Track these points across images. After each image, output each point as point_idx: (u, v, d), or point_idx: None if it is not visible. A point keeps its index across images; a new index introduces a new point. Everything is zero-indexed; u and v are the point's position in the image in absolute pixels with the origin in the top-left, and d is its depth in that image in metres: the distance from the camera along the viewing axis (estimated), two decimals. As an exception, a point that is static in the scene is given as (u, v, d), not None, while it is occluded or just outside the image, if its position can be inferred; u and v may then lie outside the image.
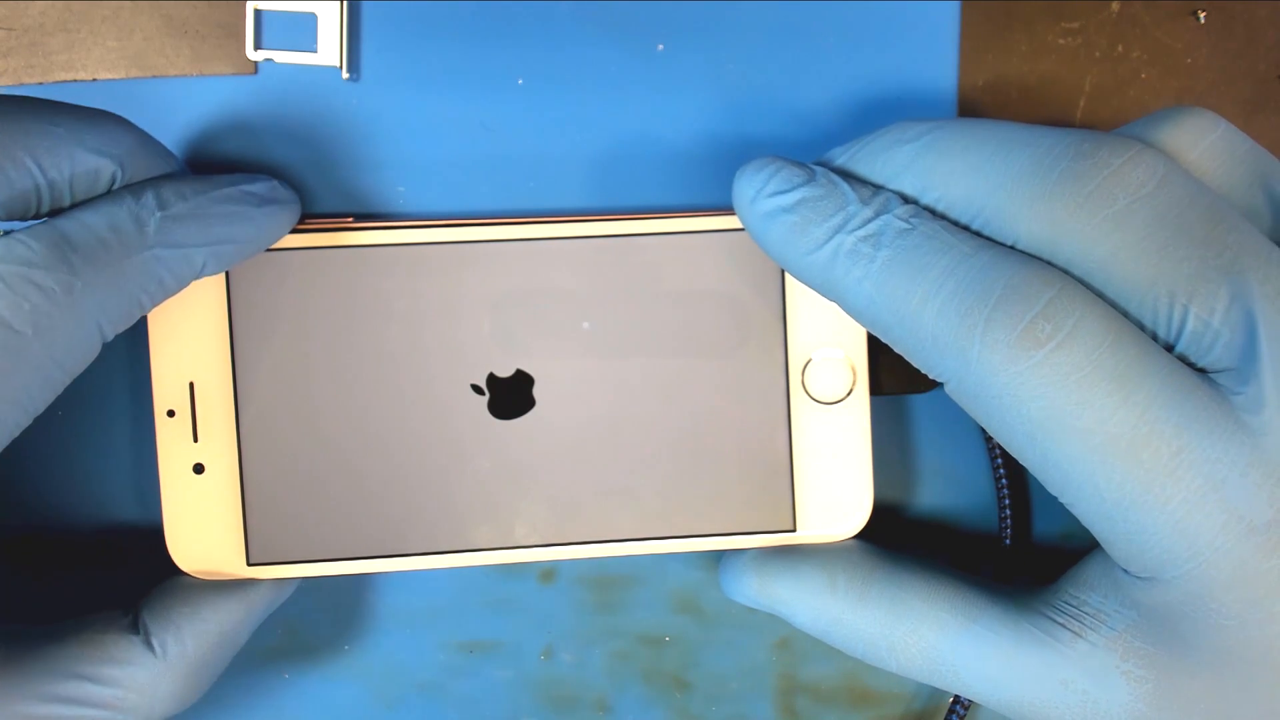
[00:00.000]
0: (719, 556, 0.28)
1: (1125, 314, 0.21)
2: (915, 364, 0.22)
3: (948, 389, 0.22)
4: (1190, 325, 0.20)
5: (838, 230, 0.22)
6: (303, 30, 0.27)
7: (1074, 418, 0.20)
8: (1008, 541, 0.28)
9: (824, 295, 0.23)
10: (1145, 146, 0.21)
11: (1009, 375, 0.20)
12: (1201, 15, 0.28)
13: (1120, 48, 0.28)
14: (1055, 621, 0.23)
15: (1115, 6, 0.28)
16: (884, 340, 0.23)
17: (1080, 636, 0.22)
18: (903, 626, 0.24)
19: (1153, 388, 0.20)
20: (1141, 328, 0.21)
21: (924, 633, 0.24)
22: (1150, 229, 0.21)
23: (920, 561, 0.25)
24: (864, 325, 0.23)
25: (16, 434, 0.21)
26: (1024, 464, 0.22)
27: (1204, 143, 0.22)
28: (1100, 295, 0.21)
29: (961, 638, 0.23)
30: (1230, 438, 0.20)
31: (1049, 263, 0.21)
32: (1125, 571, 0.22)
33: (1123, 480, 0.20)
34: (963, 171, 0.22)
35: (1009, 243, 0.22)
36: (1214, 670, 0.21)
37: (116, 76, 0.27)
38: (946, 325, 0.21)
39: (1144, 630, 0.22)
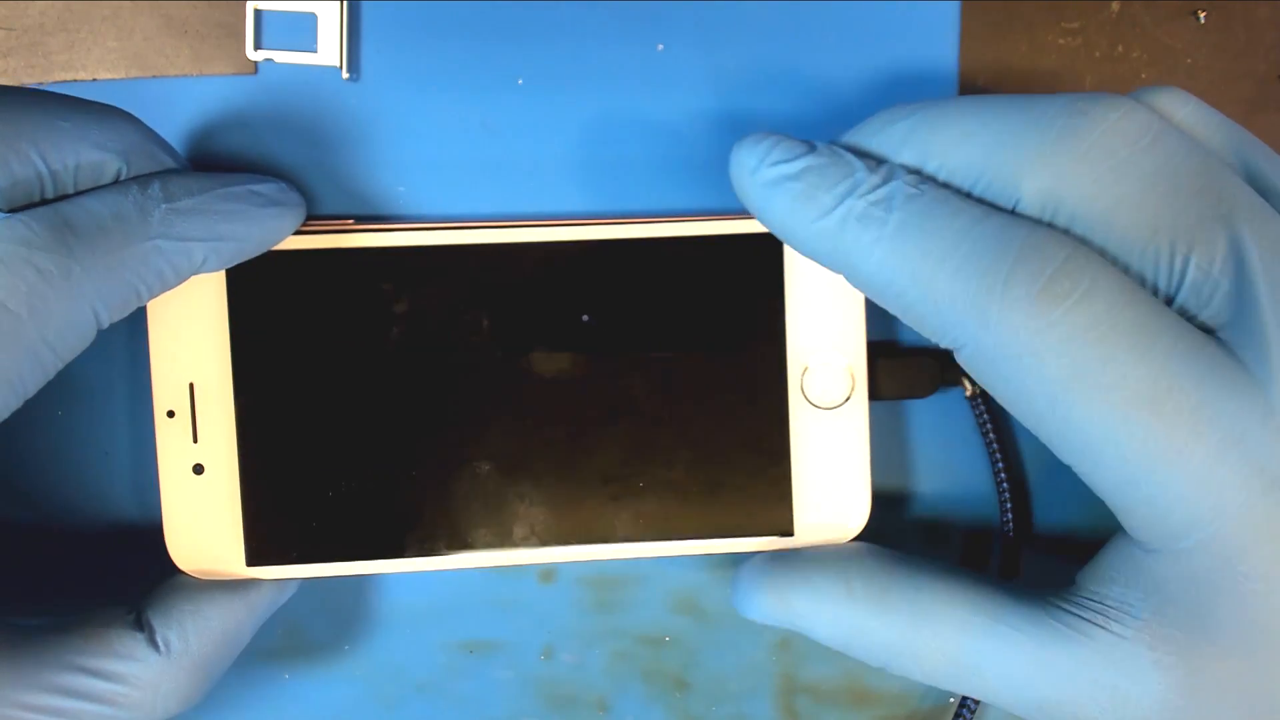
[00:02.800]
0: (720, 557, 0.28)
1: (1126, 270, 0.21)
2: (927, 332, 0.22)
3: (962, 355, 0.22)
4: (1191, 275, 0.21)
5: (847, 195, 0.22)
6: (303, 30, 0.27)
7: (1096, 373, 0.20)
8: (1009, 533, 0.28)
9: (830, 265, 0.23)
10: (1136, 103, 0.22)
11: (1030, 332, 0.20)
12: (1201, 15, 0.28)
13: (1120, 48, 0.28)
14: (1080, 617, 0.22)
15: (1115, 6, 0.28)
16: (894, 308, 0.22)
17: (1106, 630, 0.22)
18: (926, 630, 0.23)
19: (1169, 342, 0.20)
20: (1143, 283, 0.21)
21: (948, 635, 0.23)
22: (1150, 180, 0.21)
23: (935, 564, 0.25)
24: (873, 293, 0.22)
25: (6, 415, 0.21)
26: (1039, 432, 0.22)
27: (1176, 118, 0.22)
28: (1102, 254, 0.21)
29: (986, 638, 0.23)
30: (1245, 391, 0.20)
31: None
32: (1145, 551, 0.22)
33: (1145, 437, 0.20)
34: (959, 139, 0.22)
35: (1010, 205, 0.22)
36: (1245, 644, 0.21)
37: (116, 76, 0.27)
38: (965, 285, 0.21)
39: (1170, 614, 0.21)
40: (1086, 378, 0.20)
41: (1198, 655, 0.21)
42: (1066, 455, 0.22)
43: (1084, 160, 0.21)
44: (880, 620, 0.24)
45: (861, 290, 0.23)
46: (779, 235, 0.23)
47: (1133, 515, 0.21)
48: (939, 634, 0.23)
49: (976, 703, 0.28)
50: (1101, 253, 0.21)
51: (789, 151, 0.23)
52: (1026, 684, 0.23)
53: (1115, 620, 0.22)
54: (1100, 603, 0.23)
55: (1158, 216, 0.21)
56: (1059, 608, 0.23)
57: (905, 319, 0.22)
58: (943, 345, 0.22)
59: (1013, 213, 0.22)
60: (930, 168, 0.22)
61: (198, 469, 0.26)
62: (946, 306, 0.21)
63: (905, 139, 0.23)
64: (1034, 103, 0.22)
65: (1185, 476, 0.20)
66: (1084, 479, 0.22)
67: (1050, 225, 0.21)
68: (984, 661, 0.23)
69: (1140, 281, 0.21)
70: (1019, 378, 0.21)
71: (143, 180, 0.23)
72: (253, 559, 0.26)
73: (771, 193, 0.23)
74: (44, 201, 0.22)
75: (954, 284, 0.21)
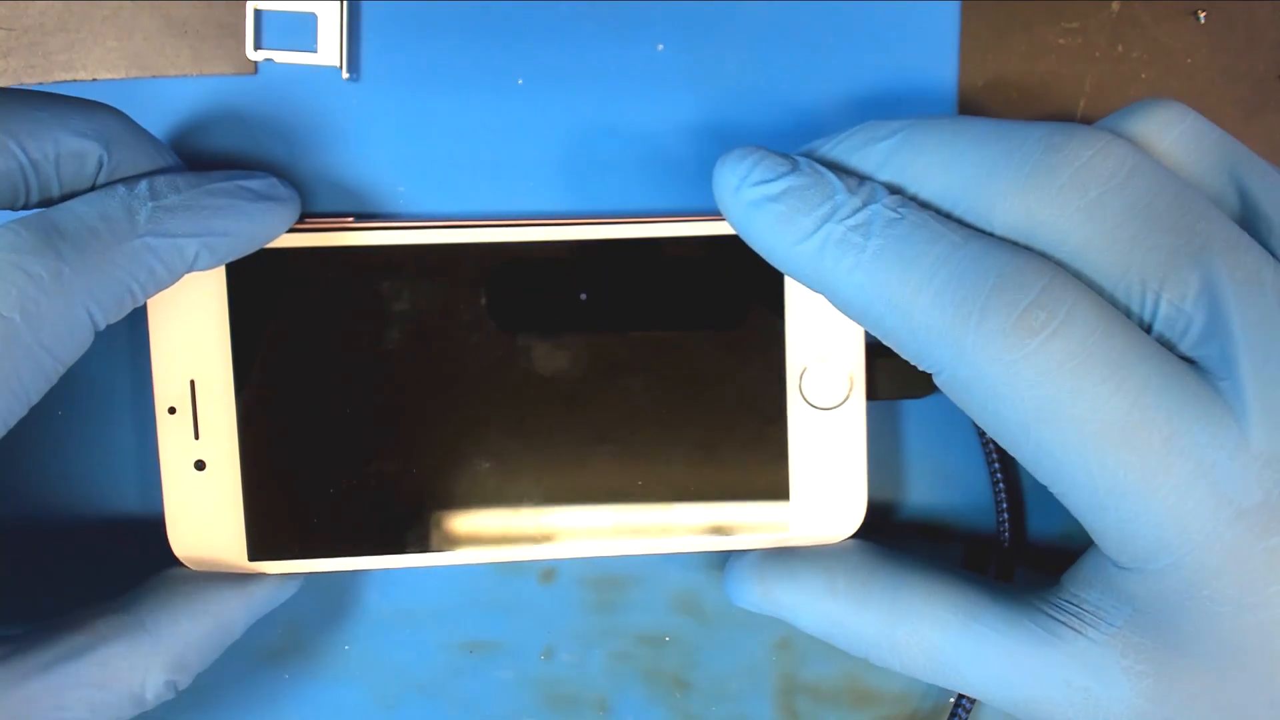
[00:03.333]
0: (719, 557, 0.29)
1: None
2: (906, 355, 0.22)
3: (939, 380, 0.22)
4: (1163, 311, 0.21)
5: (826, 219, 0.22)
6: (303, 30, 0.27)
7: (1068, 405, 0.20)
8: (1006, 542, 0.28)
9: (810, 286, 0.23)
10: (1114, 138, 0.21)
11: (1004, 364, 0.20)
12: (1201, 15, 0.28)
13: (1120, 48, 0.28)
14: (1056, 619, 0.23)
15: (1115, 6, 0.28)
16: (874, 332, 0.23)
17: (1080, 634, 0.22)
18: (904, 627, 0.24)
19: (1144, 374, 0.20)
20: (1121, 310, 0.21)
21: (925, 632, 0.24)
22: (1121, 218, 0.21)
23: (921, 561, 0.25)
24: (853, 316, 0.23)
25: (13, 423, 0.21)
26: (1015, 455, 0.22)
27: (1174, 133, 0.22)
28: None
29: (963, 637, 0.23)
30: (1217, 422, 0.20)
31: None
32: (1117, 565, 0.22)
33: (1115, 467, 0.20)
34: (937, 167, 0.22)
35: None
36: (1213, 661, 0.21)
37: (116, 76, 0.27)
38: (941, 314, 0.21)
39: (1141, 625, 0.22)
40: (1059, 408, 0.20)
41: (1167, 666, 0.21)
42: (1041, 477, 0.22)
43: (1054, 200, 0.21)
44: (860, 616, 0.24)
45: (842, 312, 0.23)
46: (760, 254, 0.23)
47: (1104, 537, 0.22)
48: (916, 631, 0.24)
49: (973, 702, 0.28)
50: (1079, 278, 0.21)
51: (770, 170, 0.23)
52: (1002, 682, 0.23)
53: (1090, 625, 0.22)
54: (1079, 606, 0.23)
55: (1128, 254, 0.21)
56: (1038, 609, 0.23)
57: (885, 341, 0.23)
58: (920, 369, 0.22)
59: (993, 235, 0.22)
60: (910, 190, 0.22)
61: (199, 465, 0.26)
62: (923, 334, 0.21)
63: (883, 162, 0.23)
64: (1012, 133, 0.22)
65: (1154, 505, 0.20)
66: (1059, 499, 0.22)
67: (1030, 249, 0.21)
68: (961, 659, 0.23)
69: (1119, 308, 0.21)
70: (994, 405, 0.21)
71: (129, 181, 0.23)
72: (255, 554, 0.26)
73: (753, 213, 0.23)
74: (29, 202, 0.22)
75: (930, 313, 0.21)
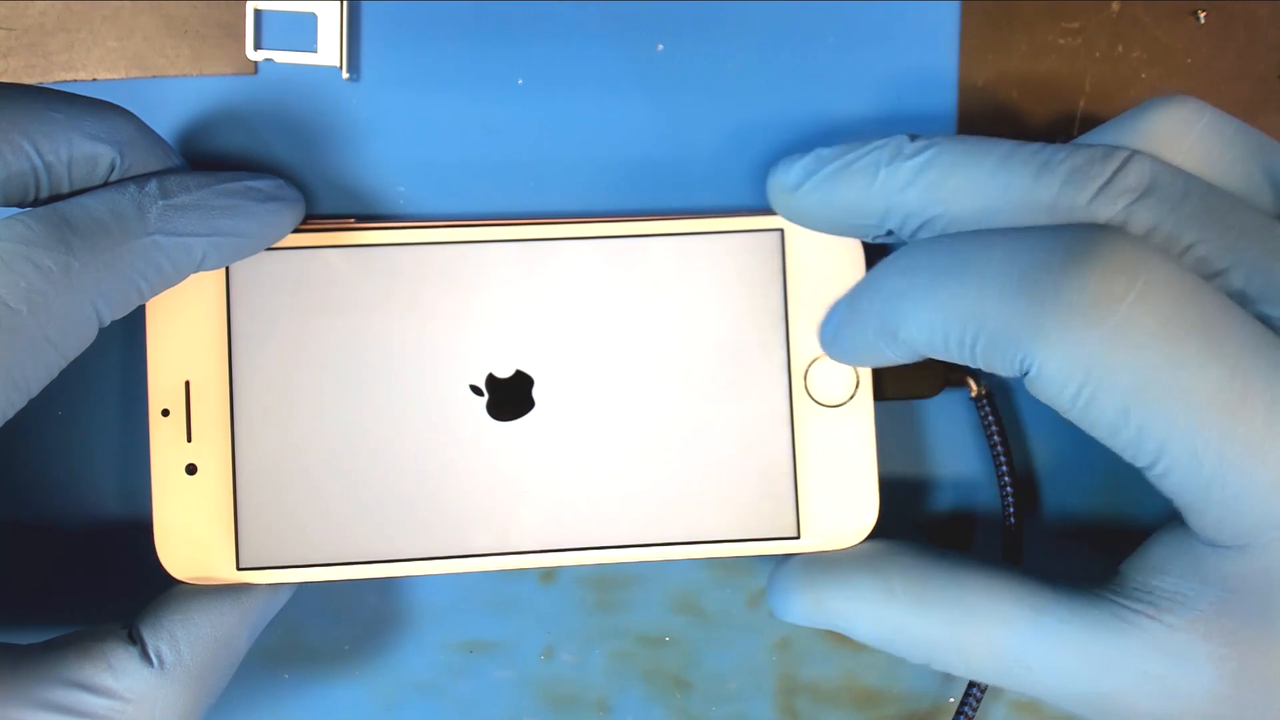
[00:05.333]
0: (720, 557, 0.28)
1: None
2: (992, 367, 0.22)
3: (1029, 381, 0.21)
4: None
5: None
6: (303, 30, 0.27)
7: (1168, 377, 0.20)
8: (1011, 525, 0.28)
9: (880, 317, 0.23)
10: (1134, 152, 0.22)
11: (1093, 344, 0.20)
12: (1201, 15, 0.28)
13: (1120, 48, 0.28)
14: (1128, 608, 0.22)
15: (1115, 6, 0.28)
16: (951, 358, 0.22)
17: (1157, 620, 0.22)
18: (968, 626, 0.23)
19: (1239, 339, 0.20)
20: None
21: (991, 630, 0.23)
22: (1152, 224, 0.21)
23: (971, 559, 0.25)
24: (927, 352, 0.23)
25: (11, 414, 0.21)
26: (1111, 444, 0.21)
27: (1195, 129, 0.22)
28: None
29: (1031, 632, 0.23)
30: None
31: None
32: (1210, 546, 0.22)
33: (1222, 440, 0.20)
34: (964, 192, 0.22)
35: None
36: None
37: (116, 76, 0.27)
38: (1014, 308, 0.21)
39: (1230, 606, 0.21)
40: (1159, 382, 0.20)
41: (1254, 646, 0.21)
42: (1139, 461, 0.21)
43: (1083, 216, 0.22)
44: (922, 618, 0.24)
45: (915, 350, 0.23)
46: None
47: (1204, 515, 0.21)
48: (982, 629, 0.23)
49: (977, 703, 0.28)
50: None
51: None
52: (1074, 676, 0.22)
53: (1168, 611, 0.22)
54: (1151, 594, 0.22)
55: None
56: (1107, 599, 0.23)
57: (964, 361, 0.22)
58: (1010, 375, 0.22)
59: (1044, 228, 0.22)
60: (934, 211, 0.23)
61: (190, 469, 0.26)
62: (1001, 335, 0.21)
63: (912, 180, 0.23)
64: (1037, 155, 0.22)
65: (1261, 477, 0.20)
66: (1153, 482, 0.21)
67: (1093, 225, 0.21)
68: (1030, 655, 0.23)
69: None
70: (1089, 391, 0.20)
71: (140, 179, 0.23)
72: (244, 562, 0.26)
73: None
74: (39, 199, 0.22)
75: (1003, 311, 0.21)
